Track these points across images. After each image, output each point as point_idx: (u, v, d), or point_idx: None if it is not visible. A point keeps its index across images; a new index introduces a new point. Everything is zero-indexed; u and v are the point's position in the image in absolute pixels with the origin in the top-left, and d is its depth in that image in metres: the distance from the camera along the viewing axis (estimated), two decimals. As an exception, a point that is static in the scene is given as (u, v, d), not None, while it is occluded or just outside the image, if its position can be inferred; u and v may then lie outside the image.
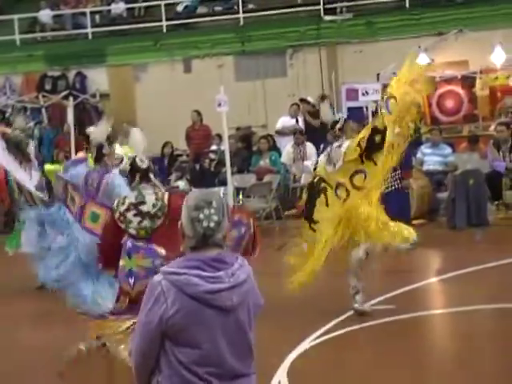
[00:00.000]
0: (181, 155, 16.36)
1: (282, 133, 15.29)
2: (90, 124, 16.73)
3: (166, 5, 18.54)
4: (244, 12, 18.05)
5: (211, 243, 3.36)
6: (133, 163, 6.35)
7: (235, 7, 18.23)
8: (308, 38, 17.52)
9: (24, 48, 19.35)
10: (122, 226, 5.97)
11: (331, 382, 7.04)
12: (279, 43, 17.55)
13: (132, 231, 5.92)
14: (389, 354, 7.43)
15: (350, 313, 8.40)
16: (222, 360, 3.36)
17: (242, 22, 18.05)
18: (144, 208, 5.91)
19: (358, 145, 8.10)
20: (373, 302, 8.71)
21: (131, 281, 5.89)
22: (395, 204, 10.99)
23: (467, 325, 8.30)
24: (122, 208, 5.95)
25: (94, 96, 18.69)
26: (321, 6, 17.41)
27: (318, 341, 7.90)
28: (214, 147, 15.61)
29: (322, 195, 8.51)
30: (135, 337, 3.50)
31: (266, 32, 17.89)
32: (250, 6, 18.34)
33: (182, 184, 14.42)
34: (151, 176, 6.30)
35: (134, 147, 7.15)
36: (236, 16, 18.22)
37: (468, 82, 15.85)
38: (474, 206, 12.44)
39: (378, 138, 8.14)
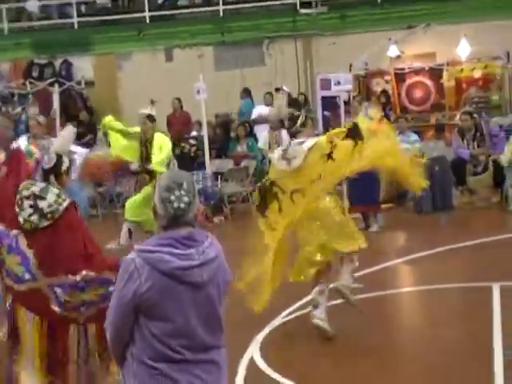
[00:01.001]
0: (162, 141, 16.30)
1: (257, 122, 15.48)
2: (76, 110, 16.99)
3: (149, -4, 18.56)
4: (223, 4, 18.38)
5: (182, 222, 3.42)
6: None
7: (215, -1, 18.05)
8: (284, 30, 17.85)
9: (11, 36, 19.44)
10: (17, 209, 5.65)
11: (302, 355, 7.16)
12: (257, 34, 17.91)
13: (20, 219, 5.60)
14: (357, 328, 7.56)
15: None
16: (192, 333, 3.43)
17: (221, 14, 18.32)
18: (40, 204, 5.61)
19: (330, 141, 7.21)
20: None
21: (82, 309, 5.51)
22: (365, 188, 11.49)
23: (432, 302, 8.49)
24: (25, 193, 5.66)
25: (79, 83, 18.80)
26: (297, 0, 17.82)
27: (288, 318, 8.02)
28: (194, 133, 15.96)
29: (275, 201, 7.40)
30: (110, 311, 3.53)
31: (244, 23, 18.25)
32: (229, -2, 18.29)
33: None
34: (51, 178, 5.88)
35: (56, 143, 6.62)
36: (215, 8, 18.51)
37: (435, 73, 16.31)
38: (439, 191, 12.73)
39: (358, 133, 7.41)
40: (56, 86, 15.66)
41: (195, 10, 19.12)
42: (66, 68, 19.09)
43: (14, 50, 19.26)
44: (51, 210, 5.54)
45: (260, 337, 7.33)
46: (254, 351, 6.95)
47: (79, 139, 14.50)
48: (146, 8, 18.56)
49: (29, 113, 16.27)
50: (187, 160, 14.76)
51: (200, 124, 15.06)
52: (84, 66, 19.05)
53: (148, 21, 18.73)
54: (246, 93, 16.31)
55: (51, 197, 5.57)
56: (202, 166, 14.19)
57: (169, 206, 3.39)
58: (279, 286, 7.74)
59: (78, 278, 5.47)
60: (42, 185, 5.64)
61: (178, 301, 3.44)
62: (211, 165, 14.15)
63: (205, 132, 14.20)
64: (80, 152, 12.25)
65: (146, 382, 3.45)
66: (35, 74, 19.10)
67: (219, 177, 14.33)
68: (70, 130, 6.66)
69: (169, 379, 3.42)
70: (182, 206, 3.40)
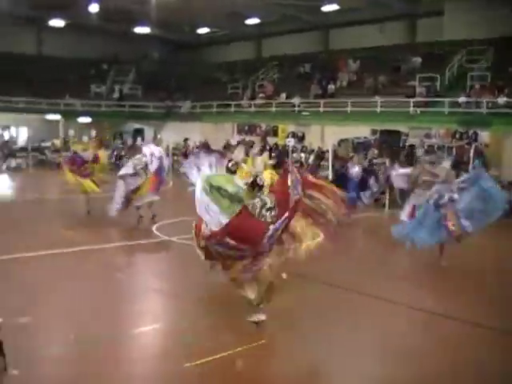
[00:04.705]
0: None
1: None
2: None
3: None
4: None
5: None
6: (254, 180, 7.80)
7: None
8: None
9: (450, 115, 24.29)
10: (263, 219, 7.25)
11: None
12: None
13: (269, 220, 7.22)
14: None
15: None
16: None
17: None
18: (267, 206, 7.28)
19: None
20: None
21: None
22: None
23: None
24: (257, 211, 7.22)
25: (481, 144, 23.39)
26: None
27: None
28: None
29: None
30: None
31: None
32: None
33: None
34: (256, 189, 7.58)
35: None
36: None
37: None
38: None
39: None
40: (472, 145, 21.35)
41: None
42: (474, 135, 24.09)
43: (447, 122, 24.62)
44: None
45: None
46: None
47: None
48: None
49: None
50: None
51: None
52: (484, 135, 23.98)
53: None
54: None
55: (266, 199, 7.35)
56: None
57: None
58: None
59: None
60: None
61: None
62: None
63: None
64: None
65: None
66: (457, 136, 24.45)
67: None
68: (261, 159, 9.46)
69: None
70: None
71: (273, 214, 7.06)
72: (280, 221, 7.06)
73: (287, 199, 7.08)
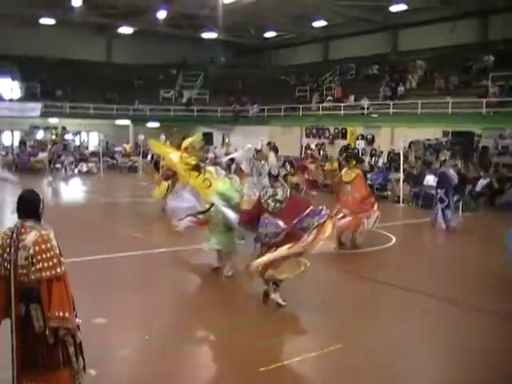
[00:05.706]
0: None
1: None
2: None
3: None
4: None
5: None
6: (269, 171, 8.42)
7: None
8: None
9: None
10: (265, 205, 7.93)
11: None
12: None
13: (270, 208, 7.92)
14: None
15: None
16: None
17: None
18: (277, 197, 7.96)
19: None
20: None
21: (266, 239, 7.93)
22: None
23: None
24: (265, 197, 8.00)
25: None
26: None
27: None
28: None
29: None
30: None
31: None
32: None
33: None
34: (279, 178, 8.20)
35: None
36: None
37: None
38: None
39: None
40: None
41: None
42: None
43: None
44: (283, 198, 7.95)
45: None
46: None
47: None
48: None
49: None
50: None
51: None
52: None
53: None
54: None
55: (280, 191, 8.01)
56: None
57: None
58: None
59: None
60: (272, 189, 8.07)
61: None
62: None
63: None
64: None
65: None
66: None
67: None
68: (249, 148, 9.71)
69: None
70: None
71: (277, 206, 7.77)
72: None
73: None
